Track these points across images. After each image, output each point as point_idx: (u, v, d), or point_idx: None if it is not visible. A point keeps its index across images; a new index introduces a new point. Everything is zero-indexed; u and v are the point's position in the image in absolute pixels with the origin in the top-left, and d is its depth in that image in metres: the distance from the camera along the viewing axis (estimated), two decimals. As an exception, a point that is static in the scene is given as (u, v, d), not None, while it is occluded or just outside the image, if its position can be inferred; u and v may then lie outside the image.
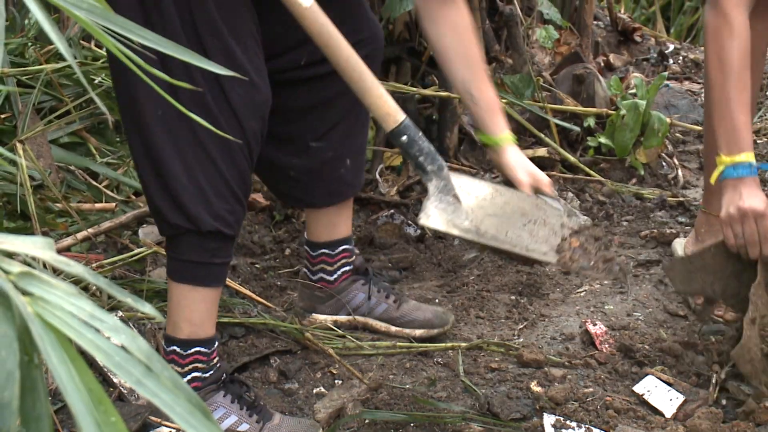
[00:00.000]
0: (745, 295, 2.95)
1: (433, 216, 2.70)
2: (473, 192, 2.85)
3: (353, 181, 3.31)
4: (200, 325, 2.90)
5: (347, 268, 3.33)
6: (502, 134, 2.92)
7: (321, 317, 3.33)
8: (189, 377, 2.88)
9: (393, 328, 3.28)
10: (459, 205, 2.73)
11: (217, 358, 2.93)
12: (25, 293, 1.42)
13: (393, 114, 2.66)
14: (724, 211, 2.99)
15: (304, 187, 3.26)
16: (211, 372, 2.90)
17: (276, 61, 3.06)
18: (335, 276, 3.32)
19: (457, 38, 2.96)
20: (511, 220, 2.82)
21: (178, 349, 2.89)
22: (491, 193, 2.87)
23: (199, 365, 2.90)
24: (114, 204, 3.76)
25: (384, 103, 2.67)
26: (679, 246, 3.75)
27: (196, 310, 2.89)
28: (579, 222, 2.84)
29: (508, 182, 2.93)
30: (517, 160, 2.91)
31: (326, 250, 3.31)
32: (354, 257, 3.36)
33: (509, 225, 2.80)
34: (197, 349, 2.89)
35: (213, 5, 2.74)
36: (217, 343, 2.94)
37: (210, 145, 2.74)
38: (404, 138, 2.67)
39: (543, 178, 2.91)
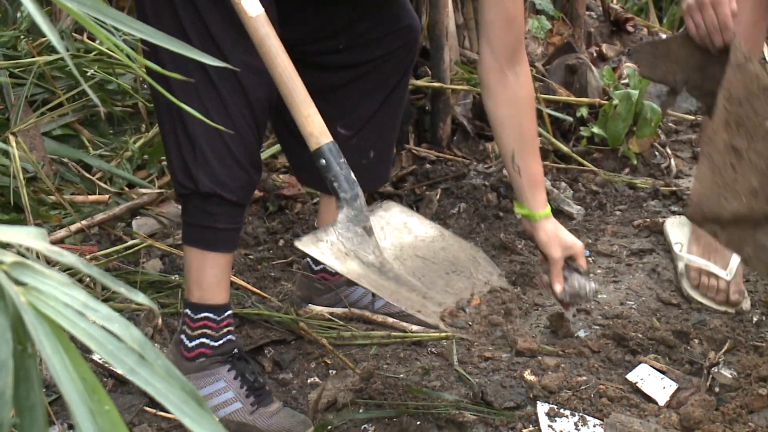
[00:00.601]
0: (709, 89, 3.00)
1: (322, 243, 2.63)
2: (416, 231, 2.88)
3: (374, 175, 3.27)
4: (208, 290, 2.91)
5: None
6: (542, 210, 2.97)
7: (318, 308, 3.33)
8: (197, 342, 2.90)
9: (390, 320, 3.29)
10: (368, 239, 2.69)
11: (228, 329, 2.93)
12: (18, 283, 1.42)
13: (316, 136, 2.62)
14: (684, 2, 3.12)
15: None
16: (221, 342, 2.91)
17: (314, 45, 3.09)
18: None
19: (514, 111, 2.97)
20: (437, 265, 2.82)
21: (189, 312, 2.91)
22: (434, 237, 2.89)
23: (208, 332, 2.91)
24: (107, 196, 3.76)
25: (310, 123, 2.62)
26: (674, 229, 3.78)
27: (204, 274, 2.91)
28: (500, 283, 2.84)
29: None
30: (552, 235, 2.96)
31: None
32: None
33: (431, 269, 2.80)
34: (206, 314, 2.90)
35: None
36: (229, 312, 2.94)
37: (213, 113, 2.74)
38: (322, 161, 2.62)
39: (576, 248, 2.96)
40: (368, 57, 3.08)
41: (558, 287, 2.96)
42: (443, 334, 3.18)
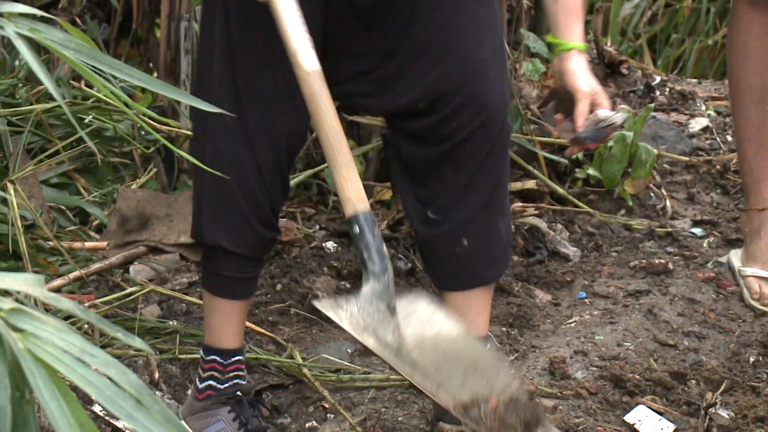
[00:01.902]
0: None
1: (341, 311, 2.46)
2: (440, 326, 2.62)
3: (469, 269, 2.91)
4: (215, 333, 2.91)
5: None
6: (574, 41, 2.79)
7: (448, 426, 2.99)
8: (206, 383, 2.90)
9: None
10: (389, 318, 2.48)
11: (235, 373, 2.91)
12: (15, 329, 1.43)
13: (354, 201, 2.45)
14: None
15: (427, 263, 3.08)
16: (227, 385, 2.89)
17: (392, 102, 2.87)
18: None
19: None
20: (457, 362, 2.61)
21: (201, 353, 2.92)
22: (458, 335, 2.66)
23: (216, 374, 2.90)
24: (105, 243, 3.77)
25: (348, 187, 2.46)
26: (735, 257, 3.84)
27: (213, 318, 2.91)
28: (521, 394, 2.60)
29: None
30: (581, 69, 2.76)
31: None
32: None
33: (450, 365, 2.59)
34: (214, 357, 2.90)
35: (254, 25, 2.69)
36: (236, 358, 2.91)
37: (225, 164, 2.69)
38: (356, 228, 2.46)
39: (602, 94, 2.77)
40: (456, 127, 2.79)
41: (581, 121, 2.72)
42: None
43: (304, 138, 3.01)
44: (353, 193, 2.43)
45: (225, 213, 2.80)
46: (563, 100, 2.78)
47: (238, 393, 2.90)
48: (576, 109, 2.72)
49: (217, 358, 2.90)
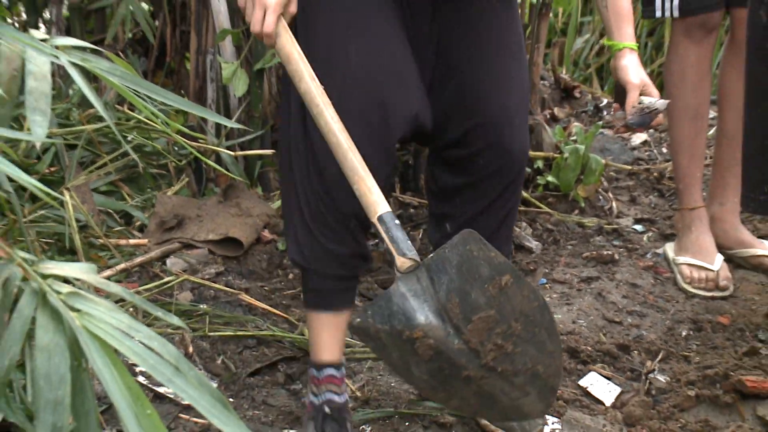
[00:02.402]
0: None
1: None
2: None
3: None
4: (312, 345, 2.73)
5: None
6: (626, 41, 2.73)
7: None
8: (307, 398, 2.76)
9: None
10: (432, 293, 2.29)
11: (327, 387, 2.69)
12: (73, 309, 1.44)
13: (376, 205, 2.31)
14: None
15: None
16: (320, 399, 2.69)
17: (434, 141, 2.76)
18: None
19: None
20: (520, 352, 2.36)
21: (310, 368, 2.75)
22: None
23: (312, 387, 2.73)
24: (146, 240, 3.76)
25: (370, 194, 2.31)
26: (669, 248, 3.86)
27: (310, 332, 2.73)
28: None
29: None
30: (632, 64, 2.70)
31: None
32: None
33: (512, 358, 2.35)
34: (311, 369, 2.74)
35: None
36: (330, 372, 2.70)
37: (299, 186, 2.57)
38: (383, 228, 2.30)
39: (652, 86, 2.70)
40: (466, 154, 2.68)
41: (631, 107, 2.66)
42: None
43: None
44: (375, 198, 2.32)
45: (301, 229, 2.62)
46: (621, 92, 2.75)
47: (326, 409, 2.68)
48: (627, 99, 2.68)
49: (313, 370, 2.72)
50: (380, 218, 2.31)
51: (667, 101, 2.56)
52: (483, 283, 2.25)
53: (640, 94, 2.61)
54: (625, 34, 2.71)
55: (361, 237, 2.64)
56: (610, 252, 3.90)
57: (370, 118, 2.48)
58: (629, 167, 4.71)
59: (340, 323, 2.70)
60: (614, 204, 4.38)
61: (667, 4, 3.43)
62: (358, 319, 2.28)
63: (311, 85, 2.36)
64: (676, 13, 3.44)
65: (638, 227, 4.19)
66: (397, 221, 2.32)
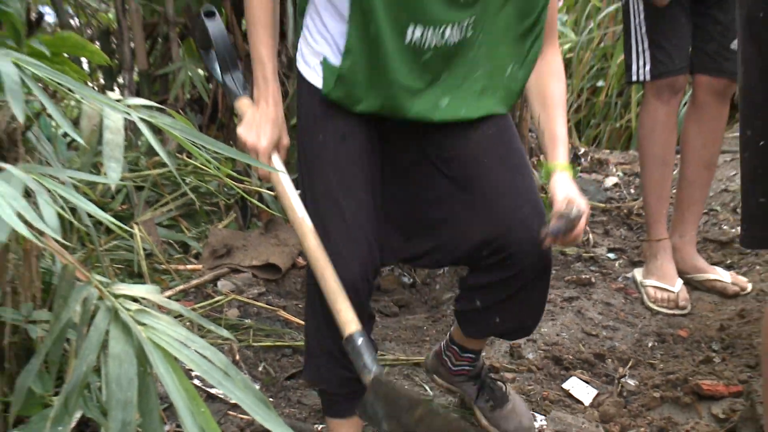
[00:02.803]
0: None
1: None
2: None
3: (507, 332, 2.54)
4: None
5: (467, 367, 2.76)
6: (556, 162, 2.39)
7: (440, 381, 2.91)
8: None
9: (483, 421, 2.79)
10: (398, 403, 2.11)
11: None
12: (140, 324, 1.44)
13: (348, 324, 2.13)
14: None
15: (460, 320, 2.61)
16: None
17: (449, 257, 2.43)
18: (456, 368, 2.77)
19: (538, 81, 2.38)
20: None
21: None
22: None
23: None
24: (201, 266, 3.76)
25: (342, 315, 2.14)
26: (638, 273, 3.83)
27: (328, 429, 2.50)
28: None
29: None
30: (560, 182, 2.35)
31: (456, 348, 2.70)
32: (474, 367, 2.76)
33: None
34: None
35: (331, 172, 2.27)
36: None
37: (308, 316, 2.40)
38: (351, 346, 2.13)
39: (579, 202, 2.33)
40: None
41: (552, 221, 2.29)
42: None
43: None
44: (346, 317, 2.14)
45: (312, 338, 2.42)
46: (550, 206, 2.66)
47: None
48: (552, 211, 2.39)
49: None
50: (348, 338, 2.14)
51: (578, 210, 2.39)
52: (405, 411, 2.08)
53: (567, 206, 2.43)
54: (558, 155, 2.39)
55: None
56: (587, 276, 3.88)
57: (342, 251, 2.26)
58: (603, 205, 4.70)
59: (354, 423, 2.49)
60: (591, 236, 4.36)
61: (641, 71, 3.43)
62: (358, 412, 2.15)
63: (297, 216, 2.23)
64: (648, 77, 3.44)
65: (611, 255, 4.17)
66: (364, 339, 2.14)
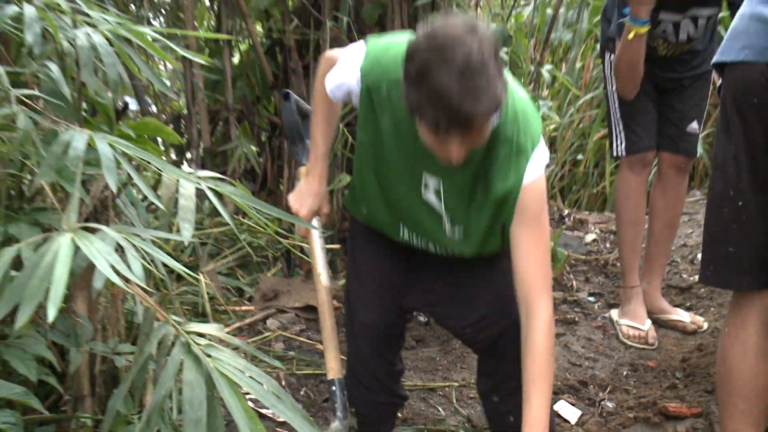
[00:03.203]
0: None
1: None
2: None
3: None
4: None
5: None
6: None
7: None
8: None
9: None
10: None
11: None
12: (208, 356, 1.44)
13: (335, 370, 2.14)
14: None
15: (489, 420, 2.44)
16: None
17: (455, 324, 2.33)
18: None
19: (524, 355, 1.99)
20: None
21: None
22: None
23: None
24: (253, 307, 3.77)
25: (332, 360, 2.14)
26: (614, 314, 3.79)
27: None
28: None
29: None
30: None
31: None
32: None
33: None
34: None
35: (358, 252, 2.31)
36: None
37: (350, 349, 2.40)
38: (333, 388, 2.15)
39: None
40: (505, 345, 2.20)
41: None
42: (446, 384, 3.15)
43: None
44: (335, 365, 2.14)
45: (357, 387, 2.35)
46: None
47: None
48: None
49: None
50: (330, 381, 2.17)
51: None
52: None
53: None
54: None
55: (392, 384, 2.42)
56: (572, 316, 3.86)
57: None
58: (584, 257, 4.68)
59: None
60: (574, 282, 4.34)
61: (618, 148, 3.46)
62: None
63: (316, 271, 2.27)
64: (623, 153, 3.46)
65: (591, 299, 4.15)
66: (339, 387, 2.16)
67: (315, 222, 2.30)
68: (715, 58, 2.04)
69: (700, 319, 3.66)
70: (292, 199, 2.28)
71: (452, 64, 1.61)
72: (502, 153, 1.88)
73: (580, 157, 6.77)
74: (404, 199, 2.05)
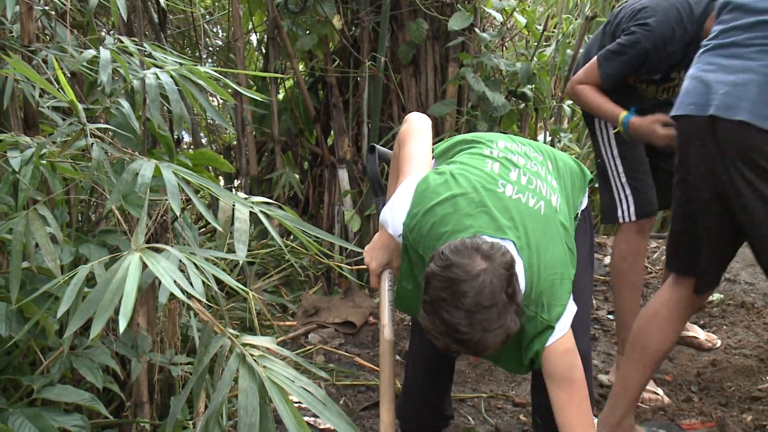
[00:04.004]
0: None
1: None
2: None
3: None
4: None
5: None
6: None
7: None
8: None
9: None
10: None
11: None
12: (261, 365, 1.46)
13: (386, 425, 2.03)
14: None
15: None
16: None
17: None
18: None
19: None
20: None
21: None
22: None
23: None
24: (296, 322, 3.79)
25: (386, 415, 2.05)
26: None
27: None
28: None
29: None
30: None
31: None
32: None
33: None
34: None
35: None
36: None
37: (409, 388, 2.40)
38: None
39: None
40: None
41: None
42: (475, 395, 3.14)
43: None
44: (388, 418, 2.05)
45: (407, 414, 2.39)
46: None
47: None
48: None
49: None
50: None
51: None
52: None
53: None
54: None
55: (442, 407, 2.43)
56: (592, 332, 3.83)
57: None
58: (603, 278, 4.64)
59: None
60: (594, 301, 4.31)
61: (627, 213, 3.03)
62: None
63: (381, 323, 2.16)
64: (634, 218, 3.03)
65: (610, 317, 4.10)
66: None
67: (386, 275, 2.24)
68: (671, 113, 2.30)
69: (714, 336, 3.61)
70: (366, 251, 2.20)
71: (462, 302, 1.63)
72: (529, 329, 1.86)
73: (596, 185, 6.76)
74: None
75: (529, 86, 4.52)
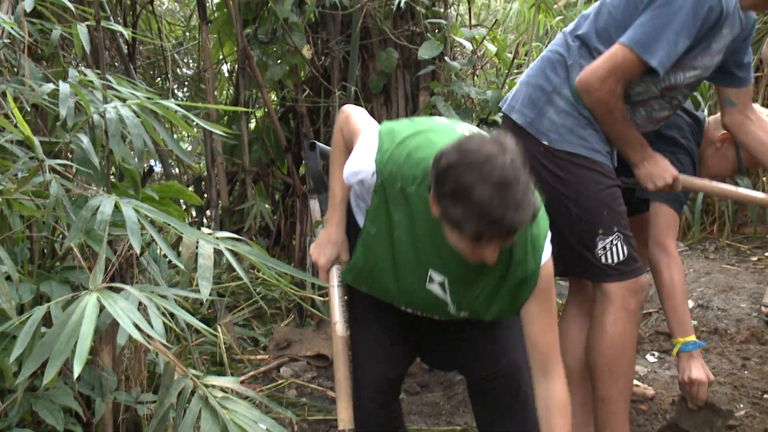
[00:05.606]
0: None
1: None
2: None
3: None
4: None
5: None
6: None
7: None
8: None
9: None
10: None
11: None
12: (224, 407, 1.43)
13: (345, 421, 2.02)
14: (681, 377, 2.70)
15: None
16: None
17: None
18: None
19: (544, 414, 2.00)
20: None
21: None
22: None
23: None
24: (267, 356, 3.75)
25: (343, 411, 2.04)
26: None
27: None
28: None
29: None
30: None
31: None
32: None
33: None
34: None
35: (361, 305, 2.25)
36: None
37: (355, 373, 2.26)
38: None
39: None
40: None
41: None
42: (450, 428, 3.11)
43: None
44: (345, 415, 2.05)
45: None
46: None
47: None
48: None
49: None
50: (340, 431, 2.06)
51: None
52: None
53: None
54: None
55: (396, 428, 2.37)
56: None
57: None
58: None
59: None
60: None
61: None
62: None
63: (333, 321, 2.18)
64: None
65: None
66: None
67: (335, 270, 2.24)
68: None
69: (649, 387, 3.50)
70: (313, 248, 2.23)
71: (490, 180, 1.64)
72: (519, 244, 1.91)
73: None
74: (408, 286, 2.03)
75: (500, 114, 4.54)
